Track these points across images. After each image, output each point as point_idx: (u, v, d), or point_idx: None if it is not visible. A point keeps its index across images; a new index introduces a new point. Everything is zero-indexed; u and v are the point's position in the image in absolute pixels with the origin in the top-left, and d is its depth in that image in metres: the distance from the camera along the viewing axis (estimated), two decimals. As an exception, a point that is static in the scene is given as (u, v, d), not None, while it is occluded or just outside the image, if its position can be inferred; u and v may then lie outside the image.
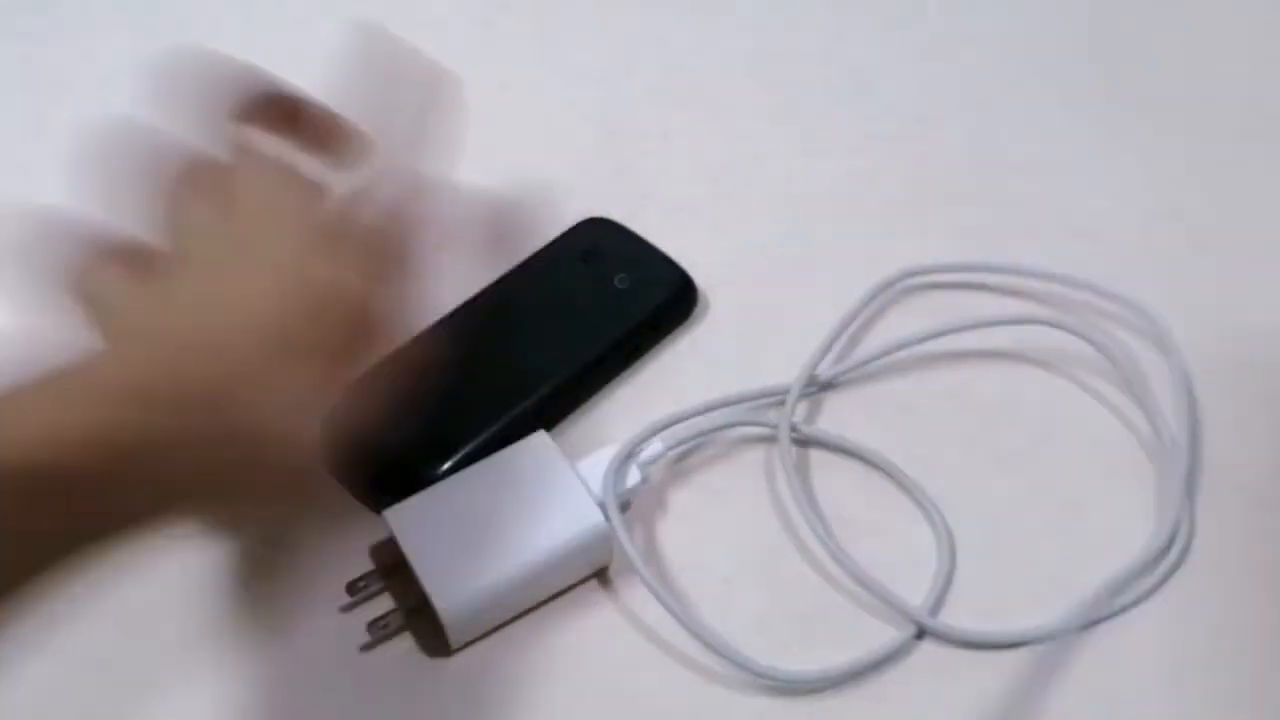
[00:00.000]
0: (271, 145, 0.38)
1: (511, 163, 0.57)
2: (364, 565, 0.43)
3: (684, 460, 0.46)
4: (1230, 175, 0.56)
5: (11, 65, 0.62)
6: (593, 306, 0.49)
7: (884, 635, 0.41)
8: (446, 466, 0.44)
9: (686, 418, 0.45)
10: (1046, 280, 0.51)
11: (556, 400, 0.47)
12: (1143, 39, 0.63)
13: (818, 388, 0.48)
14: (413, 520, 0.41)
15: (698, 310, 0.51)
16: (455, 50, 0.65)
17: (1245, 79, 0.60)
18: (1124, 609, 0.42)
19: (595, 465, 0.43)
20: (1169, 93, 0.60)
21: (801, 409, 0.48)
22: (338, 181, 0.38)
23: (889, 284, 0.50)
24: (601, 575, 0.43)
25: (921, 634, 0.41)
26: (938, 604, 0.42)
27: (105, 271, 0.35)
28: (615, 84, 0.61)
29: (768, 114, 0.59)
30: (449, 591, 0.40)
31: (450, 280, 0.50)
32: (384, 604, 0.42)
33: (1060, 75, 0.61)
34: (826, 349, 0.48)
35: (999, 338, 0.49)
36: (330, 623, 0.42)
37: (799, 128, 0.58)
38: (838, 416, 0.47)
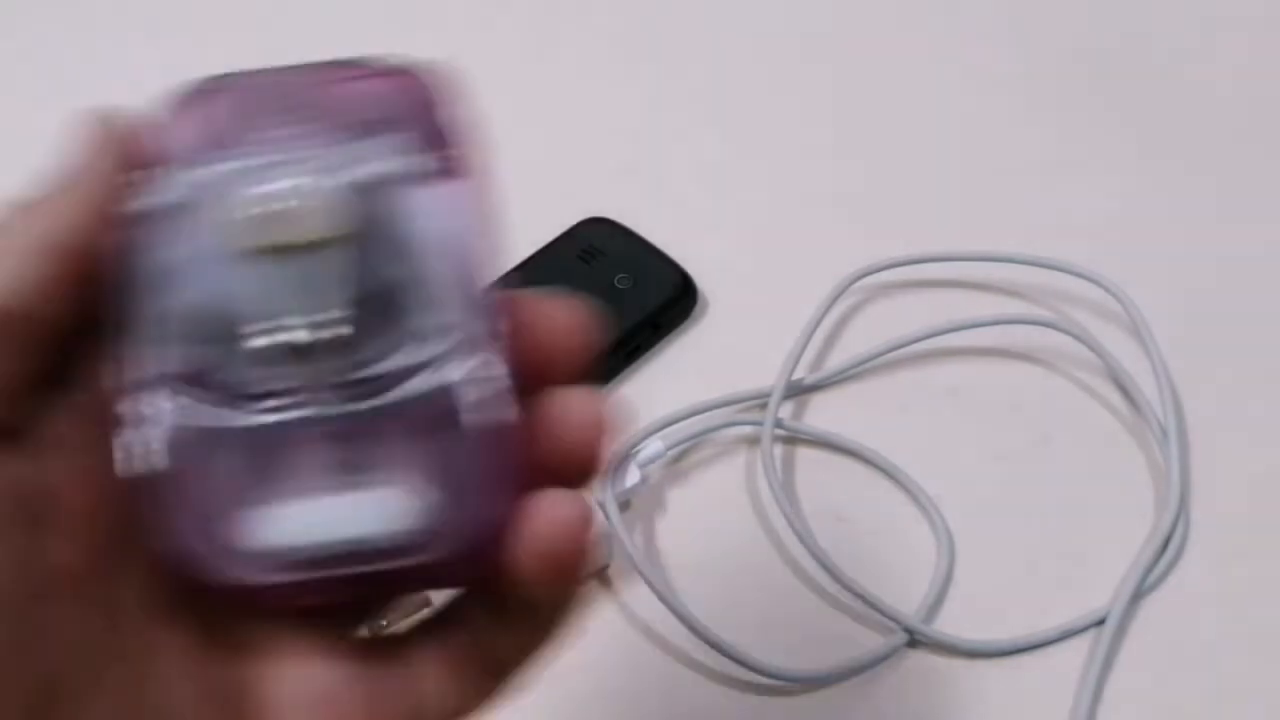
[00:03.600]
0: None
1: (512, 163, 0.57)
2: (364, 564, 0.43)
3: (683, 459, 0.46)
4: (1222, 171, 0.56)
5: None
6: (593, 307, 0.49)
7: (885, 633, 0.42)
8: (447, 466, 0.44)
9: (686, 417, 0.45)
10: (1031, 270, 0.51)
11: (556, 400, 0.47)
12: (1134, 35, 0.63)
13: (811, 387, 0.48)
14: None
15: (698, 310, 0.51)
16: (454, 50, 0.66)
17: (1240, 74, 0.60)
18: (1120, 613, 0.42)
19: (595, 465, 0.43)
20: (1158, 89, 0.60)
21: (801, 409, 0.48)
22: None
23: (863, 273, 0.50)
24: (601, 575, 0.43)
25: (914, 640, 0.41)
26: (937, 603, 0.42)
27: None
28: (615, 84, 0.61)
29: (768, 114, 0.59)
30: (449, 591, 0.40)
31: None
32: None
33: (1055, 72, 0.61)
34: (803, 347, 0.48)
35: (993, 336, 0.49)
36: (331, 622, 0.42)
37: (799, 128, 0.58)
38: (838, 416, 0.47)
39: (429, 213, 0.24)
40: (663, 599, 0.40)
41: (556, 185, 0.55)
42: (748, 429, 0.47)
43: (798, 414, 0.48)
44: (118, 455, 0.23)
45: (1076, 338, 0.48)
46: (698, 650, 0.41)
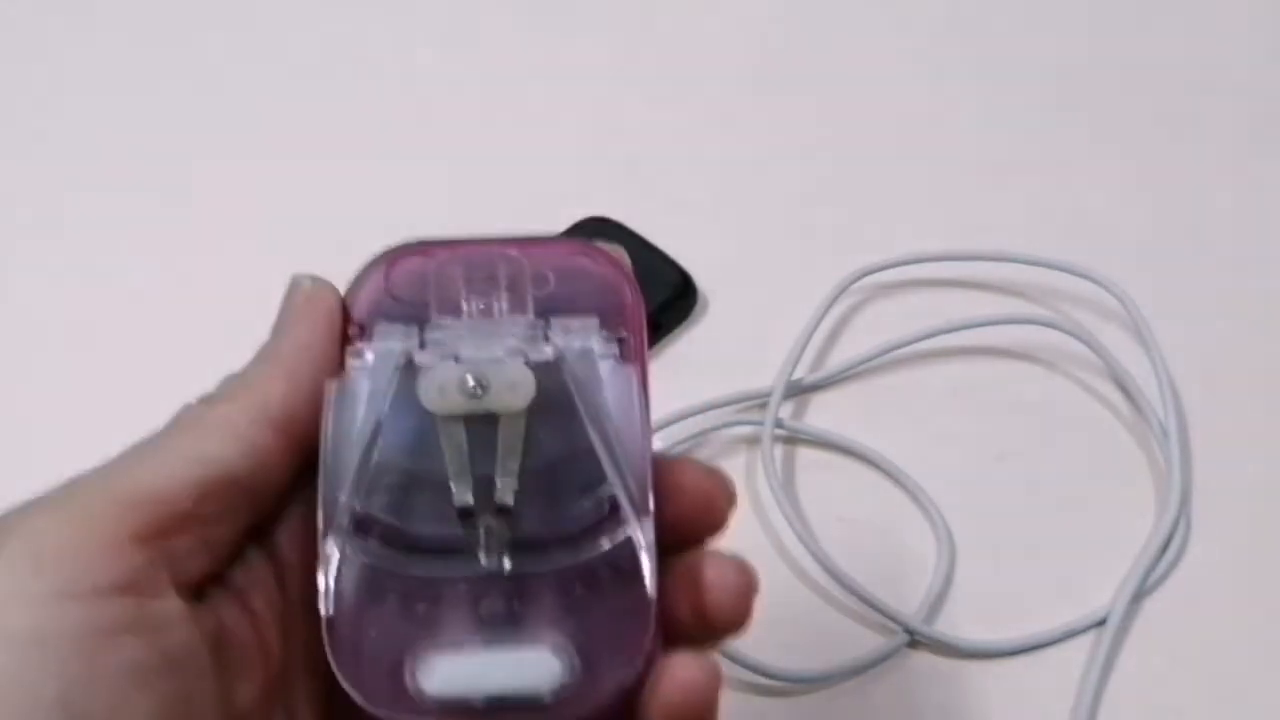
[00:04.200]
0: None
1: (512, 163, 0.57)
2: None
3: (684, 460, 0.46)
4: (1223, 171, 0.56)
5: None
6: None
7: (885, 633, 0.42)
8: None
9: (686, 417, 0.45)
10: (1034, 269, 0.50)
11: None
12: (1134, 35, 0.63)
13: (811, 387, 0.48)
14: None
15: (698, 310, 0.51)
16: (453, 52, 0.66)
17: (1241, 75, 0.60)
18: (1120, 614, 0.42)
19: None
20: (1159, 89, 0.59)
21: (801, 409, 0.48)
22: None
23: (863, 273, 0.51)
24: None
25: (914, 640, 0.41)
26: (937, 603, 0.42)
27: None
28: (615, 84, 0.61)
29: (768, 114, 0.59)
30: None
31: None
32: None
33: (1054, 72, 0.61)
34: (803, 347, 0.48)
35: (993, 336, 0.49)
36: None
37: (799, 128, 0.58)
38: (838, 416, 0.47)
39: (602, 391, 0.26)
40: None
41: (557, 185, 0.56)
42: (748, 429, 0.47)
43: (798, 414, 0.48)
44: (299, 595, 0.25)
45: (1076, 338, 0.48)
46: (697, 650, 0.41)
